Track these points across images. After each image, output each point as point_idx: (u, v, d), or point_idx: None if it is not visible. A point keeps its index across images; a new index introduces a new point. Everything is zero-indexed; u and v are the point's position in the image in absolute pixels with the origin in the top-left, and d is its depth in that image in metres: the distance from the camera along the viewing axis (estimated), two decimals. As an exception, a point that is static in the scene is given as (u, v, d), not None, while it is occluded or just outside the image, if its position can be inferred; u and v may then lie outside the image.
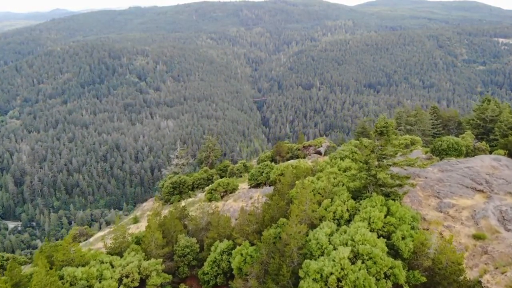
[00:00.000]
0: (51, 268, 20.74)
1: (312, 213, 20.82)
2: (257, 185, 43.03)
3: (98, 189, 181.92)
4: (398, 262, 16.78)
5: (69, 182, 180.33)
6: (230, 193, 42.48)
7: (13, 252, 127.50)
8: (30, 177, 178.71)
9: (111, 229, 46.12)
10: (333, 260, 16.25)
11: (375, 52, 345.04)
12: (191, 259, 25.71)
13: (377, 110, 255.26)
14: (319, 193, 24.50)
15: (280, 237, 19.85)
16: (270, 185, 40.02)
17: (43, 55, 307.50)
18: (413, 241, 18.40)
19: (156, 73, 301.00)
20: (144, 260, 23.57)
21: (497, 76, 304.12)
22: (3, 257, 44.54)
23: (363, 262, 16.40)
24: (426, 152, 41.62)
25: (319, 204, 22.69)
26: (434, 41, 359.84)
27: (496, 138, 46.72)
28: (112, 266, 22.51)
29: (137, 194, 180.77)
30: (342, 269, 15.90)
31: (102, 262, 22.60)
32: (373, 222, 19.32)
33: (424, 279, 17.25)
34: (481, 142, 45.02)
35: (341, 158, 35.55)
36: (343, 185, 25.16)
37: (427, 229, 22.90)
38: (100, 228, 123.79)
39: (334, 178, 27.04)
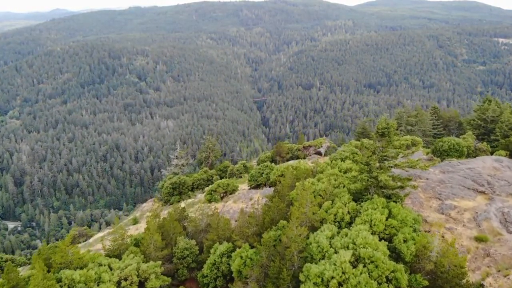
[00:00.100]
0: (49, 271, 20.55)
1: (313, 216, 20.61)
2: (257, 186, 42.81)
3: (98, 189, 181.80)
4: (400, 266, 16.57)
5: (69, 182, 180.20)
6: (230, 194, 42.26)
7: (13, 252, 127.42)
8: (30, 177, 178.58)
9: (111, 230, 45.94)
10: (334, 264, 16.05)
11: (375, 52, 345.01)
12: (191, 261, 25.50)
13: (377, 110, 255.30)
14: (319, 195, 24.30)
15: (280, 240, 19.64)
16: (270, 186, 39.82)
17: (43, 55, 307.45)
18: (415, 244, 18.19)
19: (156, 73, 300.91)
20: (143, 262, 23.36)
21: (497, 76, 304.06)
22: (1, 258, 44.42)
23: (364, 266, 16.20)
24: (427, 153, 41.44)
25: (320, 206, 22.49)
26: (434, 41, 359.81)
27: (497, 139, 46.51)
28: (111, 269, 22.28)
29: (137, 194, 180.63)
30: (343, 273, 15.69)
31: (100, 265, 22.37)
32: (374, 225, 19.12)
33: (426, 283, 17.04)
34: (482, 142, 44.81)
35: (342, 159, 35.37)
36: (344, 186, 24.96)
37: (429, 231, 22.70)
38: (100, 228, 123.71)
39: (335, 180, 26.83)
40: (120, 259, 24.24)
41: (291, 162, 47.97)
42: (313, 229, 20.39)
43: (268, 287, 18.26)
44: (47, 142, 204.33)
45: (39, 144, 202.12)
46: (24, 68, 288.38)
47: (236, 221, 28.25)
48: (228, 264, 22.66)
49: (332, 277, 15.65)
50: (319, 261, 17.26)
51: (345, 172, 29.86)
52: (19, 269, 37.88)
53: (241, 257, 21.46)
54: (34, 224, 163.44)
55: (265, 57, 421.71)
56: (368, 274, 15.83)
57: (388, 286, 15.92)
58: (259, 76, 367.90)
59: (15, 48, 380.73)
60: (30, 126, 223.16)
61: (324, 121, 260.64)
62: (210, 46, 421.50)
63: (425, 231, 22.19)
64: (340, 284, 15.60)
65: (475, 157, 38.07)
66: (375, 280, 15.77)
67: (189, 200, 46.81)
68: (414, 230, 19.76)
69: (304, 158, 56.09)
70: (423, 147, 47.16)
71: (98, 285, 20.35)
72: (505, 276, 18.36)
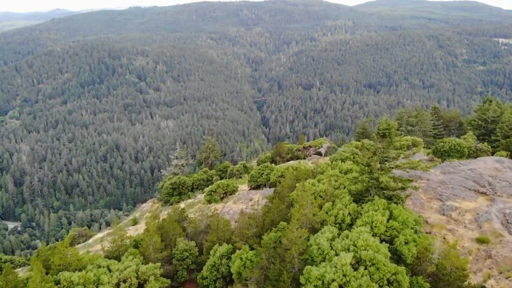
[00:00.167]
0: (47, 273, 20.41)
1: (313, 217, 20.45)
2: (257, 187, 42.66)
3: (98, 189, 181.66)
4: (402, 268, 16.43)
5: (69, 182, 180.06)
6: (230, 194, 42.10)
7: (12, 252, 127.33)
8: (30, 177, 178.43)
9: (110, 231, 45.79)
10: (335, 266, 15.90)
11: (375, 52, 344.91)
12: (190, 263, 25.36)
13: (377, 110, 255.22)
14: (320, 196, 24.13)
15: (280, 242, 19.49)
16: (270, 187, 39.68)
17: (43, 55, 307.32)
18: (416, 245, 18.03)
19: (156, 73, 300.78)
20: (142, 264, 23.21)
21: (497, 76, 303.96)
22: (1, 259, 44.31)
23: (365, 268, 16.05)
24: (428, 154, 41.30)
25: (320, 207, 22.32)
26: (434, 41, 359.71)
27: (498, 139, 46.42)
28: (110, 271, 22.14)
29: (137, 194, 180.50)
30: (344, 275, 15.54)
31: (99, 267, 22.24)
32: (375, 227, 18.96)
33: (427, 285, 16.90)
34: (483, 143, 44.69)
35: (342, 160, 35.22)
36: (344, 188, 24.79)
37: (430, 233, 22.55)
38: (100, 228, 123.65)
39: (335, 181, 26.66)
40: (119, 260, 24.11)
41: (291, 162, 47.85)
42: (314, 230, 20.23)
43: (268, 289, 18.12)
44: (47, 142, 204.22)
45: (39, 144, 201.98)
46: (24, 68, 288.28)
47: (236, 222, 28.09)
48: (228, 265, 22.50)
49: (333, 280, 15.50)
50: (319, 263, 17.12)
51: (345, 173, 29.69)
52: (19, 269, 37.78)
53: (241, 258, 21.32)
54: (34, 224, 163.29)
55: (265, 57, 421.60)
56: (369, 276, 15.68)
57: (389, 289, 15.78)
58: (259, 76, 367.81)
59: (15, 48, 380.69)
60: (30, 126, 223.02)
61: (324, 121, 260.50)
62: (210, 46, 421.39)
63: (426, 233, 22.04)
64: (341, 286, 15.45)
65: (476, 157, 37.95)
66: (376, 282, 15.62)
67: (189, 201, 46.67)
68: (415, 232, 19.61)
69: (304, 158, 55.95)
70: (424, 147, 47.03)
71: (96, 287, 20.21)
72: (507, 278, 18.22)
